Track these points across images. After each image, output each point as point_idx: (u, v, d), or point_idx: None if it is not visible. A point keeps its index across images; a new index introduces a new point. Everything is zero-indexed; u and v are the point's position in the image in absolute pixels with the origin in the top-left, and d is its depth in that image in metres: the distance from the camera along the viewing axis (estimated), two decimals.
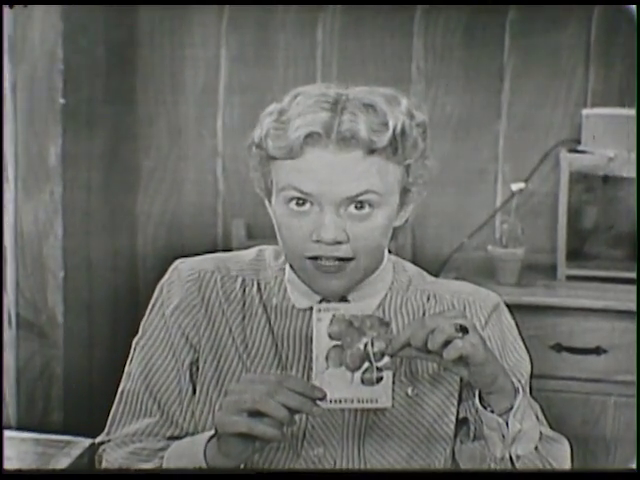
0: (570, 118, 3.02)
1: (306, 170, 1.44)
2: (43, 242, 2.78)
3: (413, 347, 1.39)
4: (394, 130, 1.43)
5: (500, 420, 1.45)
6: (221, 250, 3.05)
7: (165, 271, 1.63)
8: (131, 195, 3.20)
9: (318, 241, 1.45)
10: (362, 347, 1.40)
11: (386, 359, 1.40)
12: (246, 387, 1.37)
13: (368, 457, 1.54)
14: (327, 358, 1.40)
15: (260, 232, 3.07)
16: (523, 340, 1.63)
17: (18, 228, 2.76)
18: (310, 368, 1.42)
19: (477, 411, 1.47)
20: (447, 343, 1.37)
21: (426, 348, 1.38)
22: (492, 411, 1.45)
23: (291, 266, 1.53)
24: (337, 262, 1.46)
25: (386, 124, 1.43)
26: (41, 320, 2.80)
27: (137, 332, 1.62)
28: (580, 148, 2.87)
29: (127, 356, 1.62)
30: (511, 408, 1.44)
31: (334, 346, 1.40)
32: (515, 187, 2.90)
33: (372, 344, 1.40)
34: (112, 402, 1.61)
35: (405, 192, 1.51)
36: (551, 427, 1.58)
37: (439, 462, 1.56)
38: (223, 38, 3.13)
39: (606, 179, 2.83)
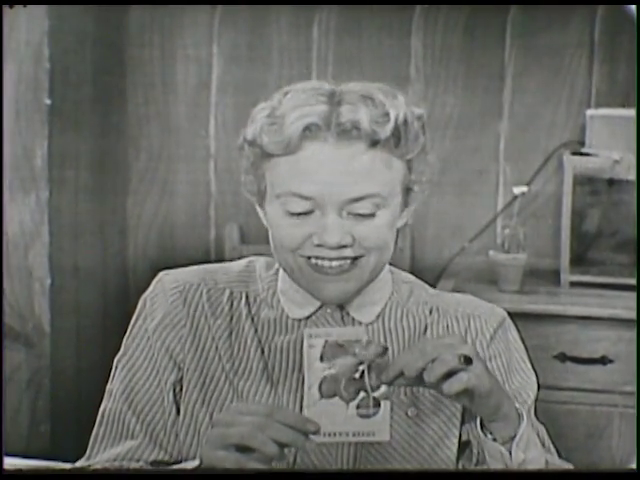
0: (573, 119, 3.00)
1: (305, 170, 1.38)
2: (29, 247, 2.75)
3: (407, 377, 1.30)
4: (396, 120, 1.38)
5: (503, 450, 1.37)
6: (213, 255, 2.95)
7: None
8: (121, 198, 3.17)
9: (320, 245, 1.39)
10: (357, 376, 1.30)
11: (383, 388, 1.30)
12: (233, 419, 1.29)
13: None
14: (320, 388, 1.30)
15: (254, 237, 3.04)
16: (529, 356, 1.55)
17: (3, 233, 2.71)
18: (302, 385, 1.35)
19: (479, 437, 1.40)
20: (448, 375, 1.29)
21: (422, 378, 1.29)
22: (494, 439, 1.37)
23: (285, 270, 1.46)
24: (340, 263, 1.39)
25: (387, 114, 1.38)
26: (27, 329, 2.77)
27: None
28: (584, 150, 2.83)
29: None
30: (515, 436, 1.36)
31: (327, 375, 1.30)
32: (517, 190, 2.87)
33: (368, 372, 1.30)
34: None
35: (407, 191, 1.45)
36: (554, 441, 1.51)
37: None
38: (215, 37, 3.10)
39: (611, 182, 2.79)
